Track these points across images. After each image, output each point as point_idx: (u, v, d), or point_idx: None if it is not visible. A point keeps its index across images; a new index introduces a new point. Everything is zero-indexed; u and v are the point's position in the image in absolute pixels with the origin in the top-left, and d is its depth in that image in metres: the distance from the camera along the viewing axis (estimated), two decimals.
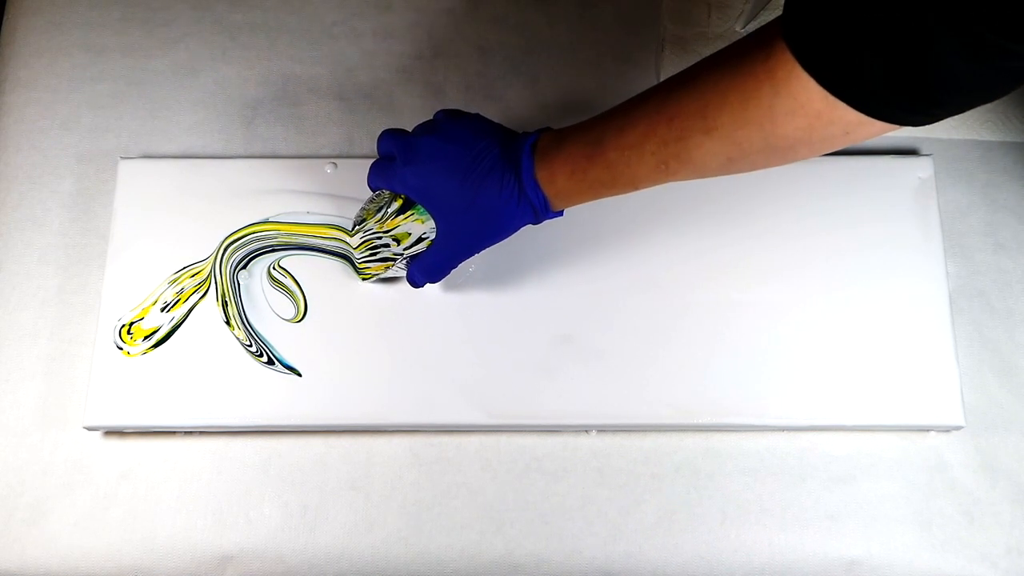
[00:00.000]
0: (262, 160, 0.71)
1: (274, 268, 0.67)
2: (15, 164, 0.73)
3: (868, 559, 0.63)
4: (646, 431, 0.66)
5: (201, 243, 0.68)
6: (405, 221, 0.59)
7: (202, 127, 0.74)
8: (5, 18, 0.79)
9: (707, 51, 0.75)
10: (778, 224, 0.68)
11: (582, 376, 0.64)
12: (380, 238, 0.60)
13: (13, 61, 0.77)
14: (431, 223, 0.58)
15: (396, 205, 0.59)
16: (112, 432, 0.66)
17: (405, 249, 0.60)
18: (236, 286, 0.67)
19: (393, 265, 0.62)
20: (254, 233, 0.68)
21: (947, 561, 0.63)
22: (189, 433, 0.66)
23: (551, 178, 0.54)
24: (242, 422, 0.64)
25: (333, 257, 0.67)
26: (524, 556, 0.64)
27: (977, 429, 0.66)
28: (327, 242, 0.68)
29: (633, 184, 0.52)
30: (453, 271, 0.61)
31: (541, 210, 0.56)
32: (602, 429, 0.65)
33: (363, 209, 0.62)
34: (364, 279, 0.65)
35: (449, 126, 0.57)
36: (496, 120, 0.73)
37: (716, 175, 0.50)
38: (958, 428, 0.64)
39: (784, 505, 0.64)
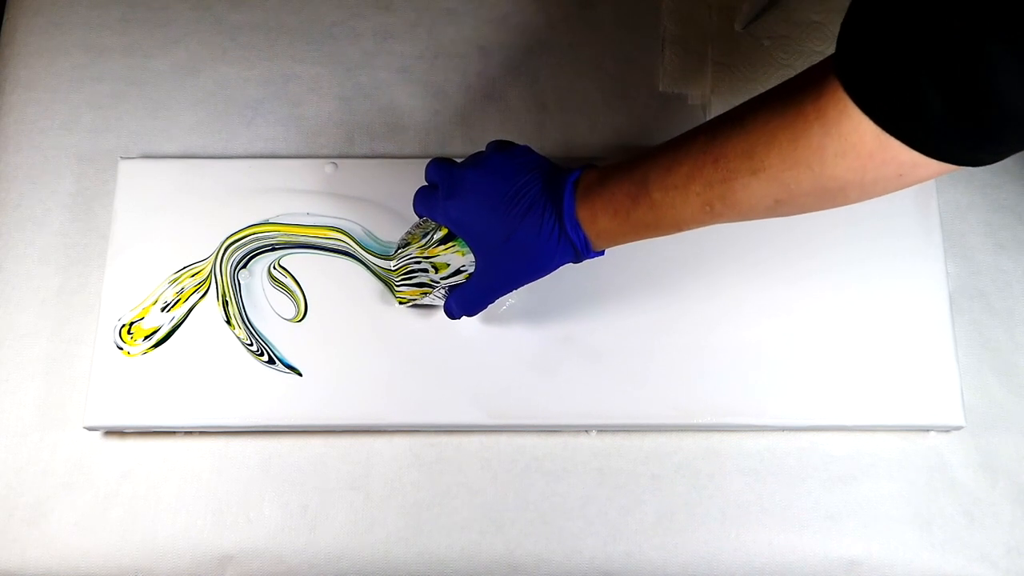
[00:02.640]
0: (262, 160, 0.71)
1: (274, 268, 0.67)
2: (15, 164, 0.73)
3: (868, 559, 0.63)
4: (646, 431, 0.66)
5: (201, 243, 0.68)
6: (446, 252, 0.59)
7: (202, 127, 0.74)
8: (5, 18, 0.79)
9: (707, 51, 0.75)
10: (778, 224, 0.67)
11: (582, 376, 0.64)
12: (419, 263, 0.60)
13: (13, 61, 0.77)
14: (471, 256, 0.58)
15: (440, 235, 0.59)
16: (112, 432, 0.66)
17: (442, 278, 0.60)
18: (237, 285, 0.67)
19: (431, 293, 0.62)
20: (255, 234, 0.68)
21: (947, 561, 0.63)
22: (189, 433, 0.66)
23: (593, 218, 0.53)
24: (242, 422, 0.64)
25: (333, 254, 0.67)
26: (524, 556, 0.64)
27: (977, 429, 0.66)
28: (327, 242, 0.68)
29: (677, 226, 0.51)
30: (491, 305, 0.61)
31: (582, 250, 0.54)
32: (602, 429, 0.65)
33: (408, 233, 0.62)
34: (400, 303, 0.64)
35: (493, 160, 0.56)
36: (496, 120, 0.74)
37: (763, 217, 0.49)
38: (958, 428, 0.64)
39: (784, 505, 0.64)
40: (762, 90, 0.73)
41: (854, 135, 0.41)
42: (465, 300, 0.60)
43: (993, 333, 0.68)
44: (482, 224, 0.55)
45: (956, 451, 0.65)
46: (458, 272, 0.59)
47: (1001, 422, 0.66)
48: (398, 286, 0.63)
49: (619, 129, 0.73)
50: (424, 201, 0.59)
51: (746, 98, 0.73)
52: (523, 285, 0.58)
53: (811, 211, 0.47)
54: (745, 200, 0.47)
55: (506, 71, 0.76)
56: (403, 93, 0.75)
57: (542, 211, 0.54)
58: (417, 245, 0.60)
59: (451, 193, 0.56)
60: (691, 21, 0.76)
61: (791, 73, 0.72)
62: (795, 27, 0.75)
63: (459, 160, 0.59)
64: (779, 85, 0.46)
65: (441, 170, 0.58)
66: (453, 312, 0.61)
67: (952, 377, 0.64)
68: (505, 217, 0.54)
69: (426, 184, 0.60)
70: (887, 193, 0.44)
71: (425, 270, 0.60)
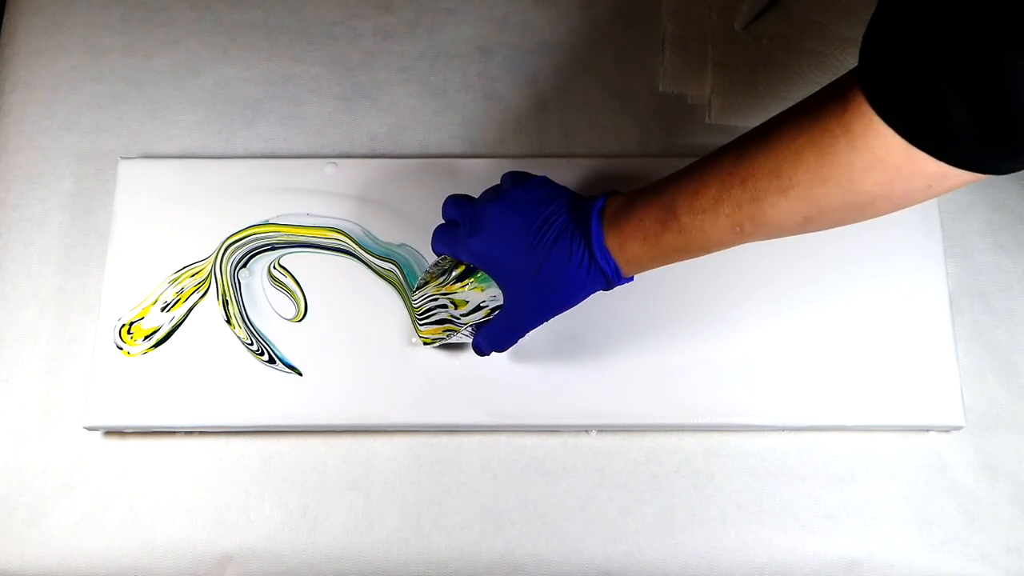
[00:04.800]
0: (262, 160, 0.71)
1: (274, 267, 0.67)
2: (15, 164, 0.73)
3: (868, 559, 0.63)
4: (646, 431, 0.66)
5: (201, 243, 0.68)
6: (463, 289, 0.58)
7: (202, 127, 0.74)
8: (5, 18, 0.79)
9: (707, 51, 0.75)
10: None
11: (582, 376, 0.64)
12: (436, 300, 0.60)
13: (13, 61, 0.77)
14: (491, 291, 0.58)
15: (457, 272, 0.59)
16: (112, 432, 0.66)
17: (462, 315, 0.59)
18: (237, 284, 0.67)
19: (458, 331, 0.61)
20: (255, 234, 0.68)
21: (947, 561, 0.63)
22: (189, 433, 0.66)
23: (622, 245, 0.53)
24: (242, 422, 0.64)
25: (334, 253, 0.67)
26: (524, 556, 0.64)
27: (977, 429, 0.66)
28: (328, 242, 0.68)
29: (707, 248, 0.51)
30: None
31: (613, 277, 0.54)
32: (602, 429, 0.65)
33: (426, 272, 0.61)
34: (425, 343, 0.63)
35: (513, 193, 0.56)
36: (496, 120, 0.74)
37: (793, 234, 0.49)
38: (958, 428, 0.64)
39: (784, 505, 0.64)
40: (762, 90, 0.73)
41: (881, 149, 0.41)
42: (495, 336, 0.59)
43: (993, 333, 0.68)
44: (510, 259, 0.55)
45: (956, 451, 0.65)
46: (478, 308, 0.59)
47: (1001, 422, 0.66)
48: (421, 325, 0.62)
49: (619, 129, 0.74)
50: (444, 239, 0.59)
51: (746, 98, 0.74)
52: (553, 317, 0.57)
53: (840, 225, 0.47)
54: (775, 219, 0.47)
55: (506, 71, 0.76)
56: (403, 93, 0.75)
57: (570, 241, 0.54)
58: (435, 283, 0.60)
59: (475, 230, 0.56)
60: (691, 21, 0.76)
61: (791, 73, 0.73)
62: (795, 27, 0.75)
63: (475, 196, 0.59)
64: (802, 101, 0.46)
65: (460, 207, 0.58)
66: (483, 349, 0.60)
67: (952, 377, 0.64)
68: (533, 250, 0.54)
69: (444, 222, 0.60)
70: (916, 204, 0.44)
71: (444, 306, 0.59)
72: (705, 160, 0.50)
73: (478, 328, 0.60)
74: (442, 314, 0.60)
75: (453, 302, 0.59)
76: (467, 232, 0.56)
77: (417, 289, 0.61)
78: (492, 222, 0.55)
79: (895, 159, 0.41)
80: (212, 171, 0.70)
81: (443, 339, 0.62)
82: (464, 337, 0.62)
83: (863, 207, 0.45)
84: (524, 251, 0.54)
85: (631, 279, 0.55)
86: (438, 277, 0.60)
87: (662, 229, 0.51)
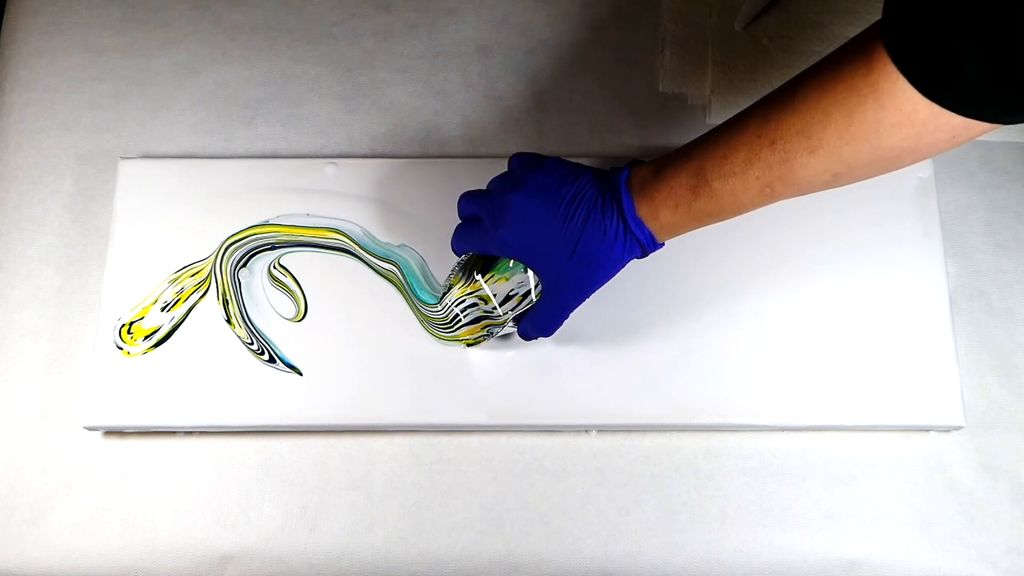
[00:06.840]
0: (262, 160, 0.71)
1: (274, 267, 0.67)
2: (15, 164, 0.73)
3: (868, 559, 0.63)
4: (646, 431, 0.66)
5: (201, 243, 0.68)
6: (489, 283, 0.58)
7: (202, 127, 0.74)
8: (5, 18, 0.79)
9: (707, 51, 0.75)
10: (778, 224, 0.68)
11: (582, 376, 0.64)
12: (465, 301, 0.60)
13: (13, 61, 0.77)
14: (517, 278, 0.58)
15: (478, 268, 0.59)
16: (112, 432, 0.66)
17: (495, 308, 0.59)
18: (237, 284, 0.67)
19: (501, 325, 0.60)
20: (256, 234, 0.68)
21: (947, 561, 0.63)
22: (189, 433, 0.66)
23: (654, 214, 0.53)
24: (242, 422, 0.64)
25: (334, 252, 0.67)
26: (524, 556, 0.64)
27: (977, 429, 0.66)
28: (328, 242, 0.68)
29: (738, 210, 0.52)
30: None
31: (649, 246, 0.55)
32: (602, 429, 0.65)
33: (448, 279, 0.61)
34: (468, 344, 0.63)
35: (533, 178, 0.56)
36: (496, 120, 0.74)
37: (820, 190, 0.50)
38: (958, 428, 0.64)
39: (784, 505, 0.64)
40: (763, 91, 0.73)
41: (908, 106, 0.42)
42: (539, 323, 0.59)
43: (993, 333, 0.68)
44: (543, 244, 0.55)
45: (956, 451, 0.65)
46: (509, 298, 0.59)
47: (1001, 422, 0.66)
48: (459, 328, 0.62)
49: (619, 129, 0.74)
50: (466, 237, 0.58)
51: (746, 98, 0.74)
52: (592, 293, 0.57)
53: (866, 179, 0.49)
54: (804, 178, 0.48)
55: (506, 71, 0.76)
56: (403, 93, 0.75)
57: (602, 217, 0.54)
58: (459, 286, 0.60)
59: (500, 222, 0.55)
60: (691, 21, 0.76)
61: (791, 73, 0.72)
62: (795, 27, 0.75)
63: (484, 188, 0.59)
64: (823, 60, 0.47)
65: (479, 202, 0.57)
66: (529, 335, 0.61)
67: (952, 377, 0.64)
68: (566, 232, 0.54)
69: (462, 221, 0.60)
70: (940, 153, 0.46)
71: (475, 304, 0.59)
72: (729, 124, 0.51)
73: (520, 317, 0.60)
74: (476, 312, 0.60)
75: (482, 298, 0.59)
76: (492, 225, 0.56)
77: (444, 296, 0.61)
78: (518, 212, 0.55)
79: (921, 114, 0.42)
80: (212, 171, 0.70)
81: (486, 336, 0.62)
82: (510, 328, 0.62)
83: (890, 160, 0.46)
84: (557, 234, 0.54)
85: (663, 245, 0.56)
86: (461, 279, 0.60)
87: (694, 195, 0.52)
